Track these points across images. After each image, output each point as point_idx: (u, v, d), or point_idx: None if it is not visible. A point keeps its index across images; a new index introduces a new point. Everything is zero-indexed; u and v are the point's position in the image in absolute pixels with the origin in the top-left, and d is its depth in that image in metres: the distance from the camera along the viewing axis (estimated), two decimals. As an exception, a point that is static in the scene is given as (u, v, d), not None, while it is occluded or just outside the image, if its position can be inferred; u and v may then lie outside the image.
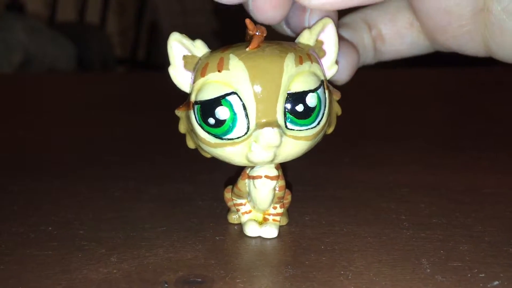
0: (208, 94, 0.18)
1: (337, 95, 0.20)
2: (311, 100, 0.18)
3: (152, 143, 0.35)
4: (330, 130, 0.21)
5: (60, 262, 0.19)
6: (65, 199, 0.25)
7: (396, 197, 0.24)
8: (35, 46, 1.26)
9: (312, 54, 0.19)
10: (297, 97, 0.18)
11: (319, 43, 0.19)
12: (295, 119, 0.18)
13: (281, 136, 0.18)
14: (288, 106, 0.18)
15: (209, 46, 0.20)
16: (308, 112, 0.18)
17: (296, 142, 0.18)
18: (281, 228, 0.21)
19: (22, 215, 0.23)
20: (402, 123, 0.39)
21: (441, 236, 0.20)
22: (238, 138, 0.18)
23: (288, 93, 0.18)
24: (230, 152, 0.18)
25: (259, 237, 0.21)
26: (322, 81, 0.19)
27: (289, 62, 0.18)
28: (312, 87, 0.18)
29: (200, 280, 0.18)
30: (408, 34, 0.23)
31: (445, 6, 0.21)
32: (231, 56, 0.18)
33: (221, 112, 0.18)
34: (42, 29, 1.33)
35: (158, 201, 0.24)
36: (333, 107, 0.20)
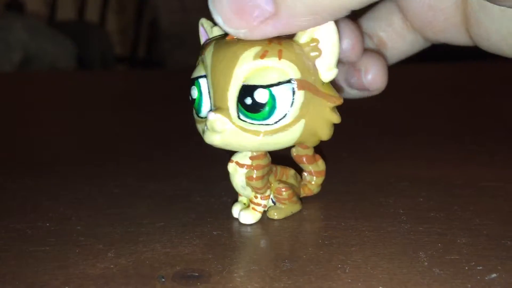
0: (193, 74, 0.20)
1: (331, 102, 0.19)
2: (260, 95, 0.18)
3: (150, 140, 0.35)
4: (323, 138, 0.20)
5: (57, 258, 0.19)
6: (63, 196, 0.25)
7: (394, 192, 0.24)
8: (35, 45, 1.26)
9: (289, 52, 0.18)
10: (247, 90, 0.18)
11: (313, 41, 0.19)
12: (245, 111, 0.18)
13: (223, 123, 0.18)
14: (240, 97, 0.18)
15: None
16: (256, 107, 0.18)
17: (243, 134, 0.19)
18: (278, 222, 0.21)
19: (20, 211, 0.23)
20: (401, 118, 0.39)
21: (439, 229, 0.20)
22: (204, 118, 0.19)
23: (242, 85, 0.18)
24: (199, 130, 0.20)
25: (258, 231, 0.21)
26: (289, 80, 0.18)
27: (247, 55, 0.18)
28: (265, 83, 0.18)
29: (197, 274, 0.18)
30: (407, 33, 0.23)
31: (428, 2, 0.21)
32: (213, 43, 0.19)
33: (193, 92, 0.19)
34: (42, 28, 1.33)
35: (156, 197, 0.24)
36: (320, 114, 0.19)
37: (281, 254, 0.19)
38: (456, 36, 0.22)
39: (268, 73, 0.18)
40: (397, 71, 0.64)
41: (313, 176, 0.23)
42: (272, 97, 0.18)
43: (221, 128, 0.18)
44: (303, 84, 0.18)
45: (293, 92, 0.18)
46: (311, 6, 0.17)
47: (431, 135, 0.34)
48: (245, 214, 0.21)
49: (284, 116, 0.18)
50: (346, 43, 0.21)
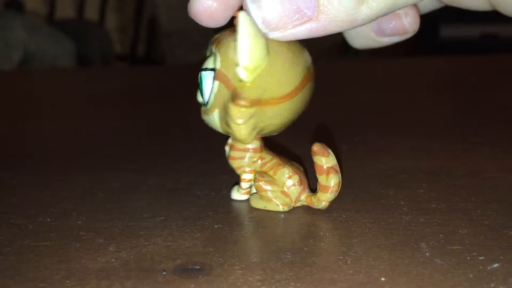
0: None
1: (233, 100, 0.19)
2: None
3: (150, 136, 0.35)
4: (233, 133, 0.19)
5: (58, 252, 0.19)
6: (64, 191, 0.25)
7: (395, 183, 0.24)
8: (34, 43, 1.26)
9: (223, 42, 0.19)
10: None
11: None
12: None
13: (199, 100, 0.20)
14: None
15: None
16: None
17: (202, 110, 0.20)
18: (278, 215, 0.21)
19: (20, 207, 0.23)
20: (402, 110, 0.39)
21: (440, 220, 0.20)
22: None
23: None
24: None
25: (258, 224, 0.21)
26: (213, 69, 0.19)
27: (212, 42, 0.20)
28: (203, 66, 0.20)
29: (198, 267, 0.17)
30: None
31: None
32: None
33: None
34: (41, 26, 1.33)
35: (156, 191, 0.24)
36: (226, 108, 0.19)
37: (282, 246, 0.19)
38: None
39: (208, 59, 0.20)
40: (398, 63, 0.64)
41: (318, 188, 0.21)
42: (201, 80, 0.20)
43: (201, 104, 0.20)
44: (219, 75, 0.19)
45: (213, 81, 0.19)
46: (352, 14, 0.17)
47: (431, 127, 0.34)
48: (233, 189, 0.23)
49: (208, 100, 0.20)
50: None
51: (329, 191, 0.21)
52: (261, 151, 0.22)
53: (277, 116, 0.19)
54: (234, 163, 0.22)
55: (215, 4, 0.19)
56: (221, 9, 0.19)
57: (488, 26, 1.51)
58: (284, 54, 0.19)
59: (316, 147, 0.21)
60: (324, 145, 0.21)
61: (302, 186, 0.22)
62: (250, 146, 0.22)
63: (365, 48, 0.24)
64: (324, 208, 0.21)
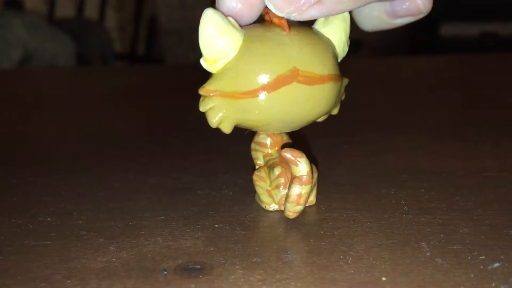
0: None
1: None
2: None
3: (151, 135, 0.35)
4: None
5: (59, 252, 0.19)
6: (64, 191, 0.25)
7: (396, 183, 0.24)
8: (34, 42, 1.26)
9: None
10: None
11: None
12: None
13: None
14: None
15: None
16: None
17: None
18: (279, 215, 0.21)
19: (21, 206, 0.23)
20: (402, 110, 0.39)
21: (441, 220, 0.20)
22: None
23: None
24: None
25: (259, 223, 0.21)
26: None
27: None
28: None
29: (199, 267, 0.18)
30: None
31: None
32: None
33: None
34: (41, 25, 1.33)
35: (157, 191, 0.24)
36: None
37: (283, 246, 0.19)
38: None
39: None
40: (398, 63, 0.64)
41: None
42: None
43: None
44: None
45: None
46: None
47: (433, 126, 0.34)
48: None
49: None
50: None
51: (288, 201, 0.20)
52: (274, 147, 0.22)
53: (247, 111, 0.19)
54: (252, 154, 0.23)
55: (239, 5, 0.19)
56: (246, 9, 0.19)
57: (488, 25, 1.50)
58: (255, 50, 0.19)
59: (285, 152, 0.20)
60: (297, 152, 0.19)
61: (287, 190, 0.20)
62: (261, 140, 0.22)
63: (376, 30, 0.24)
64: (290, 217, 0.20)
